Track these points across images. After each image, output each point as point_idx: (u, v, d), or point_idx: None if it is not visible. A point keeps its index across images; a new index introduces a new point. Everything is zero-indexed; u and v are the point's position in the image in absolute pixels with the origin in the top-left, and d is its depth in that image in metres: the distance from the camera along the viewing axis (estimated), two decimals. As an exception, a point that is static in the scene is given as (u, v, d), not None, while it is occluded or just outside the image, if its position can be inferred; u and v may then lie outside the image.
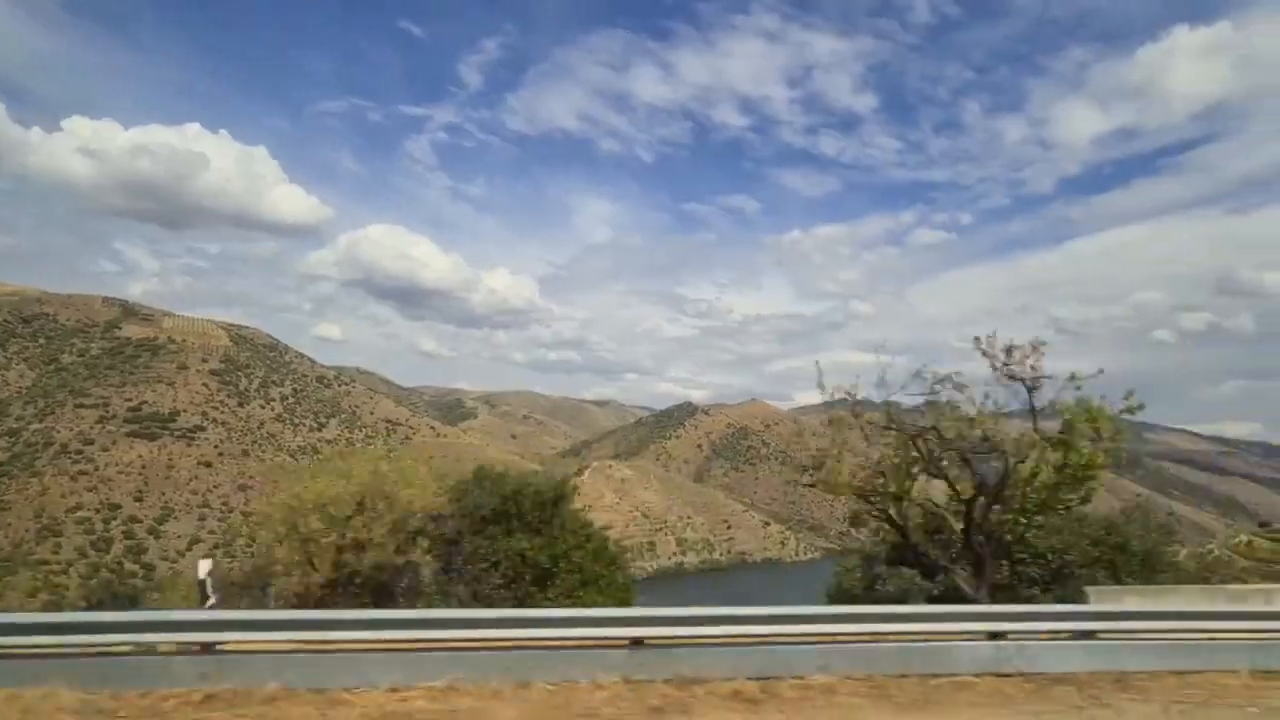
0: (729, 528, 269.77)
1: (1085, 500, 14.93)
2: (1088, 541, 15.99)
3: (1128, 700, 7.46)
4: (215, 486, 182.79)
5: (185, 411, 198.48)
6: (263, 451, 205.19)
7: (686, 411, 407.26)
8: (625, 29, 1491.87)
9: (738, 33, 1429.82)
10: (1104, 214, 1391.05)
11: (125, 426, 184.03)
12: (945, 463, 15.39)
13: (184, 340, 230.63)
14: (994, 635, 8.79)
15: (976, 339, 15.36)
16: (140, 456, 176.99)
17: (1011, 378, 14.89)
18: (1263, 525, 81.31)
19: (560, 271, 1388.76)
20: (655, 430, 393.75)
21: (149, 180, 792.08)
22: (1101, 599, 10.39)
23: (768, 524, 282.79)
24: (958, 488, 15.43)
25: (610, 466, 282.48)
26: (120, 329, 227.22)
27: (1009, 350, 14.78)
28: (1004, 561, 15.35)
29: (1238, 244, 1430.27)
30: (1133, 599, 10.80)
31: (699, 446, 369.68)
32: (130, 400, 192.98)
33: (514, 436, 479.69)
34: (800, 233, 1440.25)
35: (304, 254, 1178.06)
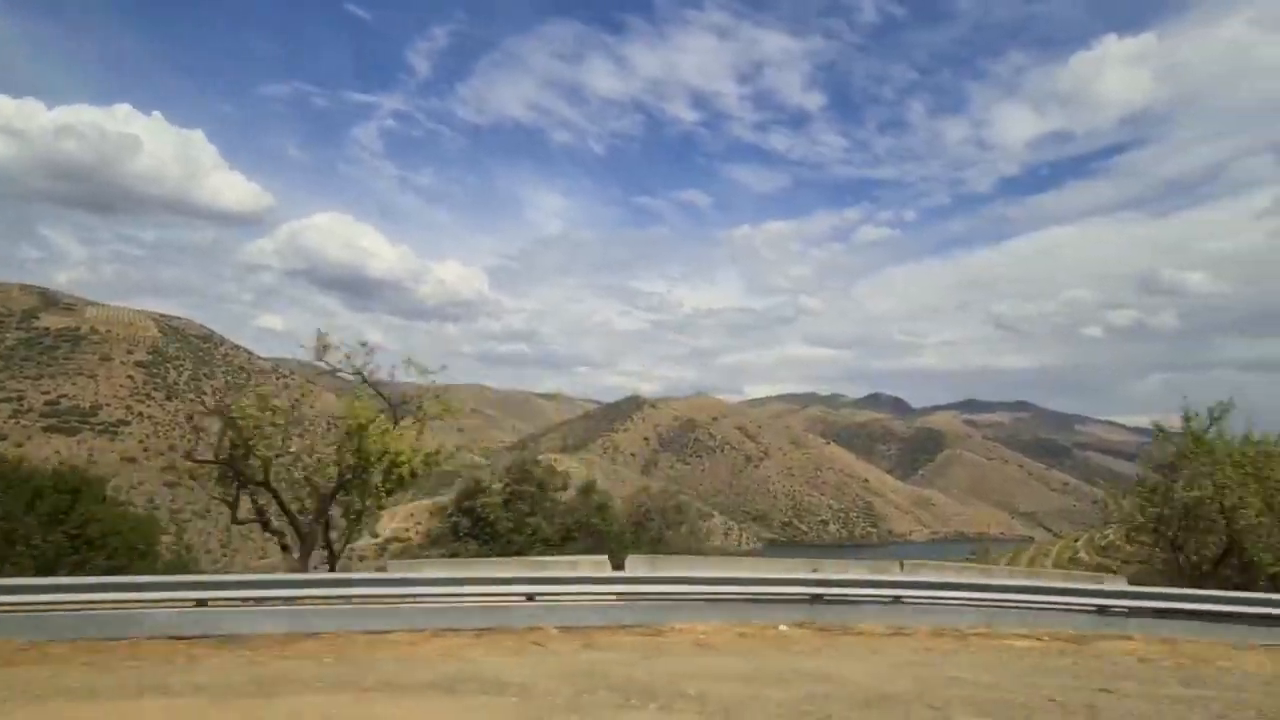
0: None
1: (400, 485, 17.77)
2: (557, 524, 17.86)
3: (222, 654, 8.68)
4: (140, 484, 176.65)
5: (108, 405, 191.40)
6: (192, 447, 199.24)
7: (633, 404, 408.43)
8: (578, 20, 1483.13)
9: (690, 27, 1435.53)
10: (1040, 214, 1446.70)
11: (42, 421, 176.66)
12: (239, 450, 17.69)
13: (108, 331, 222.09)
14: (199, 603, 10.18)
15: (321, 334, 17.68)
16: (58, 452, 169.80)
17: (328, 370, 17.60)
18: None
19: (511, 264, 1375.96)
20: (602, 423, 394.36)
21: (76, 163, 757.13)
22: (397, 569, 12.79)
23: (711, 515, 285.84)
24: (239, 469, 17.73)
25: (556, 460, 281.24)
26: (38, 319, 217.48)
27: (325, 348, 17.26)
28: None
29: (1160, 245, 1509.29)
30: (431, 570, 12.83)
31: (646, 439, 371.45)
32: (48, 393, 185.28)
33: (460, 430, 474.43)
34: (750, 228, 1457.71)
35: (245, 243, 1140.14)
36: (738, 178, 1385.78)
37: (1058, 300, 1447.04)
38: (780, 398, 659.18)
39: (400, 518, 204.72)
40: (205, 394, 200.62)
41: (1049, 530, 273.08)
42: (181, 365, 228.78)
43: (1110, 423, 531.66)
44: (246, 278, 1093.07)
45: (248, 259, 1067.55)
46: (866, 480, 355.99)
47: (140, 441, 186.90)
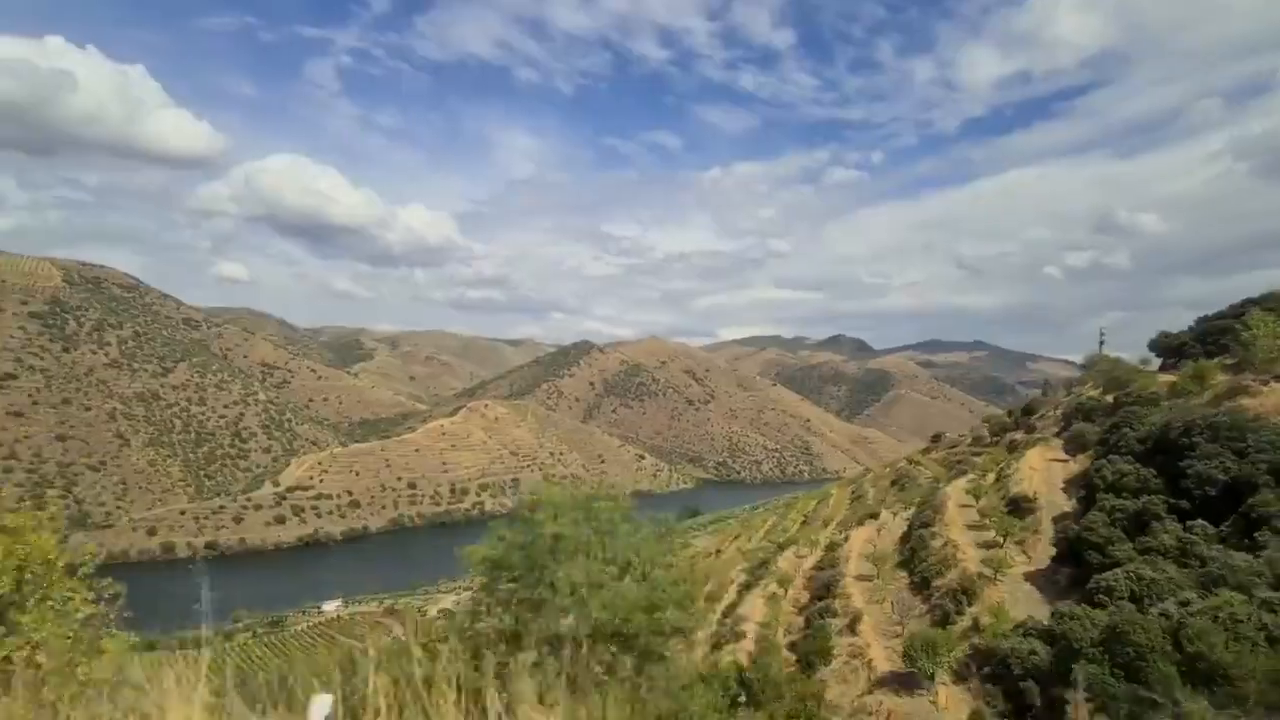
0: (603, 462, 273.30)
1: None
2: None
3: None
4: (26, 437, 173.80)
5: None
6: (88, 399, 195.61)
7: (582, 350, 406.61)
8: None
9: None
10: (1003, 155, 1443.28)
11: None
12: None
13: (3, 281, 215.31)
14: None
15: None
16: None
17: None
18: (935, 439, 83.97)
19: (481, 208, 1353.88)
20: (550, 369, 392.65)
21: (8, 101, 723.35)
22: None
23: (642, 457, 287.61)
24: None
25: (486, 406, 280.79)
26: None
27: None
28: None
29: (1117, 186, 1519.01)
30: None
31: (591, 384, 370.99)
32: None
33: (413, 378, 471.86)
34: (721, 170, 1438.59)
35: (197, 187, 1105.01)
36: (708, 118, 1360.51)
37: (1018, 240, 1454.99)
38: (740, 341, 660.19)
39: (307, 467, 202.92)
40: (109, 344, 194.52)
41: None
42: (84, 315, 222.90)
43: (1063, 360, 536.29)
44: (202, 224, 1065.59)
45: (201, 204, 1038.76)
46: (808, 420, 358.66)
47: (29, 395, 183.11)
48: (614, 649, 5.67)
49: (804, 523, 64.00)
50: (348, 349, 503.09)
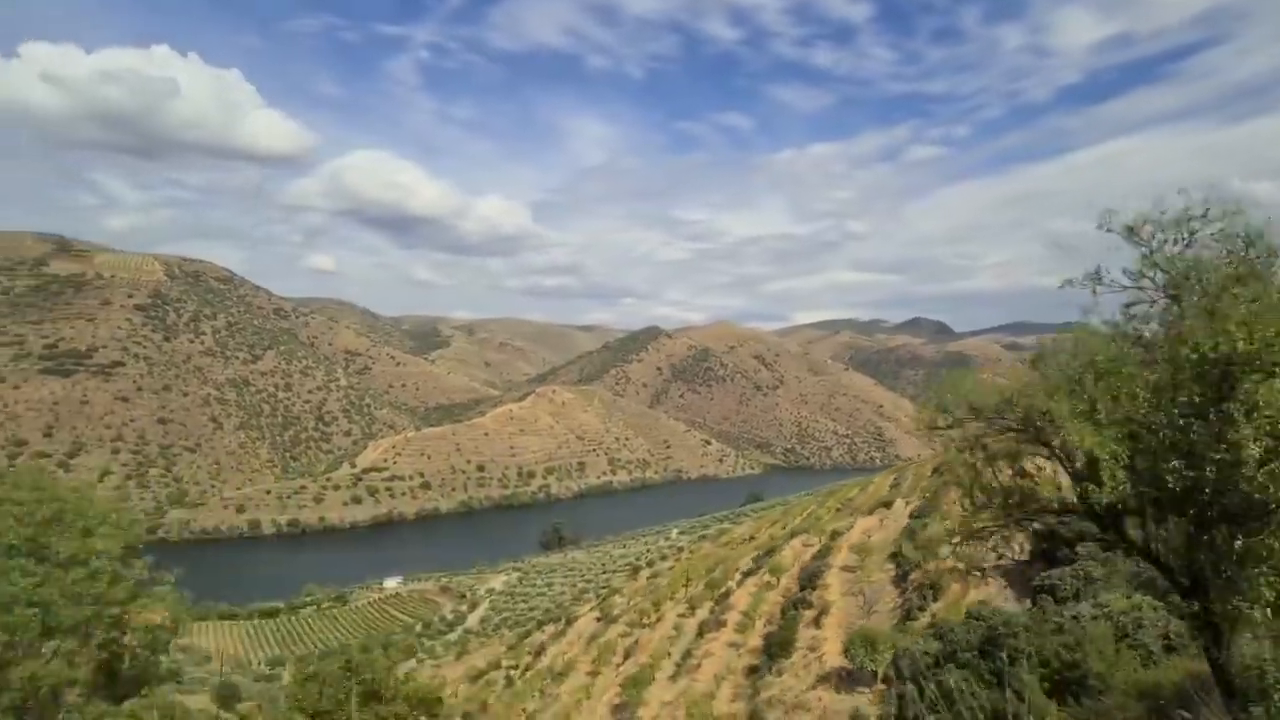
0: (668, 447, 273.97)
1: None
2: None
3: None
4: (131, 420, 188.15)
5: (104, 347, 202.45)
6: (187, 385, 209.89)
7: (651, 335, 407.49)
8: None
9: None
10: (1101, 124, 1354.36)
11: (39, 364, 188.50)
12: None
13: (112, 276, 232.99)
14: None
15: None
16: (52, 393, 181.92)
17: None
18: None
19: (554, 197, 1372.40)
20: (618, 354, 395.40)
21: (119, 109, 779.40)
22: None
23: (709, 443, 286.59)
24: None
25: (554, 392, 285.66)
26: (47, 266, 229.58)
27: None
28: None
29: (1229, 153, 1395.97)
30: None
31: (659, 369, 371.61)
32: (47, 338, 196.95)
33: (488, 364, 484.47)
34: (794, 151, 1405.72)
35: (287, 184, 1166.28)
36: (781, 98, 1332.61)
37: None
38: (814, 325, 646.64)
39: (382, 449, 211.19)
40: (204, 333, 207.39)
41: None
42: (183, 307, 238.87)
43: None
44: (293, 218, 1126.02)
45: (292, 200, 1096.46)
46: (881, 406, 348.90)
47: (134, 381, 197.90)
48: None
49: (838, 510, 62.50)
50: (427, 336, 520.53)
